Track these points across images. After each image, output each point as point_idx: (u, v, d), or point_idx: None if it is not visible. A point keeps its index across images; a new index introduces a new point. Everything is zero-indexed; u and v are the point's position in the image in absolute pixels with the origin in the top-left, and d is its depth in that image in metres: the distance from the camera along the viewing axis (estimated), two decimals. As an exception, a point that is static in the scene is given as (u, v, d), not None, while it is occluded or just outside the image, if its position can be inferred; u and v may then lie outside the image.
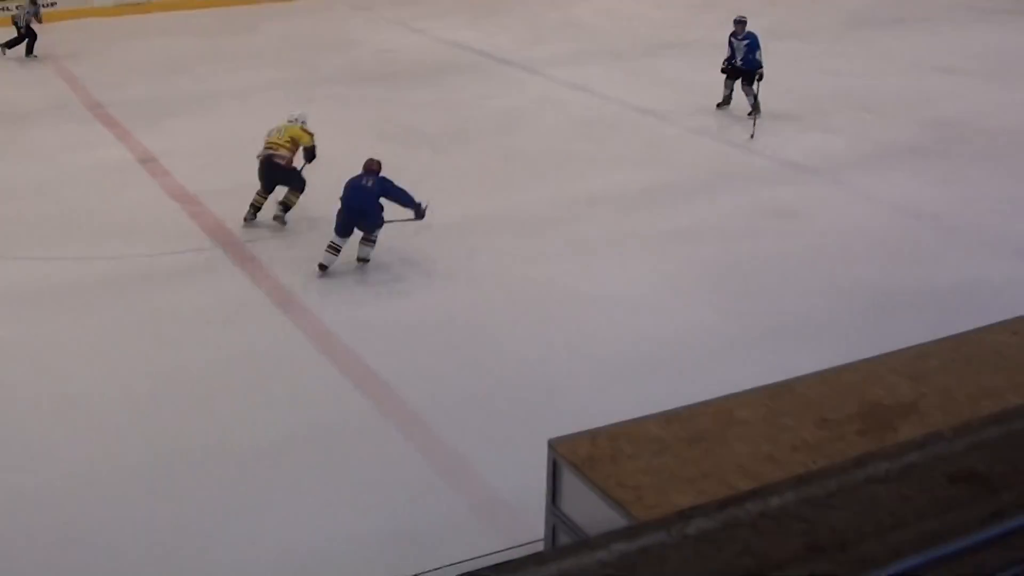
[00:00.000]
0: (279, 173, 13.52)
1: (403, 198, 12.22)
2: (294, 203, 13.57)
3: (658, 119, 18.02)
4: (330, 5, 27.93)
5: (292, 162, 13.54)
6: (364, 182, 12.26)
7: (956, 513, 5.00)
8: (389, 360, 10.30)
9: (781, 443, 5.62)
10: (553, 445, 5.63)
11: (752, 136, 17.16)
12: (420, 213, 12.24)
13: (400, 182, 12.20)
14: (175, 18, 26.30)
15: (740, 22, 18.06)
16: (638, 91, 19.65)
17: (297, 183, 13.56)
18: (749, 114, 17.78)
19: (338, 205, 12.28)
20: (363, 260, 12.45)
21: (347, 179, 12.35)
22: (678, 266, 12.55)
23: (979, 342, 6.88)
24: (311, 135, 13.67)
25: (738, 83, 18.18)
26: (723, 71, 18.29)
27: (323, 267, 12.21)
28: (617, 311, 11.40)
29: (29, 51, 22.97)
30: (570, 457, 5.50)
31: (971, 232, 13.66)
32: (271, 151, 13.43)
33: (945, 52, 22.91)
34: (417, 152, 16.16)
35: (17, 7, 23.38)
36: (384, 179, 12.30)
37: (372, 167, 12.38)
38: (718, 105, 18.67)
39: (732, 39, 18.19)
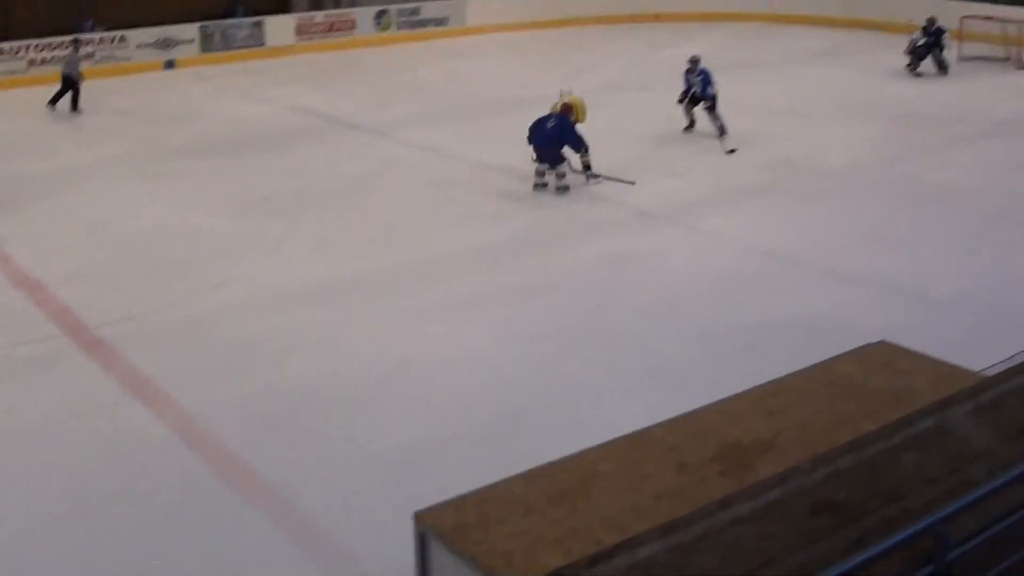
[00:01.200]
0: None
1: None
2: None
3: (507, 176, 18.09)
4: (172, 78, 27.43)
5: None
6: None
7: (821, 544, 5.12)
8: (249, 439, 9.93)
9: (644, 492, 5.61)
10: (419, 517, 5.50)
11: (732, 151, 19.09)
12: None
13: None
14: (14, 96, 25.53)
15: (694, 61, 20.40)
16: (486, 149, 19.72)
17: None
18: (718, 137, 19.70)
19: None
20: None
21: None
22: (535, 320, 12.53)
23: (830, 372, 7.04)
24: None
25: (704, 112, 20.22)
26: (680, 102, 20.52)
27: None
28: (477, 370, 11.28)
29: (74, 105, 23.10)
30: (437, 528, 5.39)
31: (816, 266, 14.05)
32: None
33: (783, 95, 23.83)
34: (271, 221, 15.97)
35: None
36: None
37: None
38: (684, 129, 20.84)
39: (688, 75, 20.39)
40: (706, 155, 19.22)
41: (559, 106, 17.67)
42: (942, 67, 26.29)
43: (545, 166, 17.22)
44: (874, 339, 7.59)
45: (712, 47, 26.90)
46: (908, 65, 26.40)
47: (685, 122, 20.88)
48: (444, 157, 19.53)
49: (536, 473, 5.89)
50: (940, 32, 26.24)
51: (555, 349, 11.75)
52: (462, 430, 10.04)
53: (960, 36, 27.42)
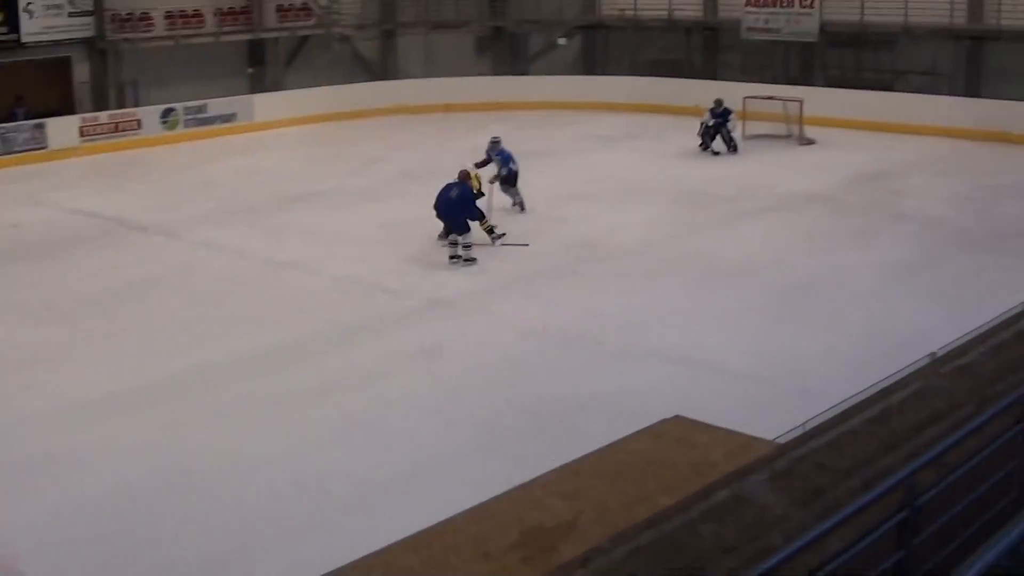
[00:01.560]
0: None
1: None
2: None
3: (299, 272, 17.92)
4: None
5: None
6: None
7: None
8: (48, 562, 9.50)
9: (450, 584, 5.49)
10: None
11: (498, 236, 19.01)
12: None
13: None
14: None
15: (494, 141, 21.29)
16: (279, 246, 19.51)
17: None
18: (515, 203, 21.04)
19: None
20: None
21: None
22: (324, 422, 12.26)
23: (627, 450, 7.06)
24: None
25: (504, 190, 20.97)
26: (492, 181, 20.74)
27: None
28: (267, 474, 10.98)
29: None
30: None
31: (610, 344, 14.26)
32: None
33: (577, 179, 24.16)
34: (54, 329, 15.38)
35: None
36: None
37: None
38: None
39: (489, 153, 21.18)
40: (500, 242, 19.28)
41: (458, 175, 18.50)
42: (731, 146, 27.21)
43: (454, 236, 17.92)
44: (669, 414, 7.67)
45: (504, 136, 27.01)
46: (700, 145, 27.30)
47: (518, 194, 21.48)
48: (235, 255, 19.16)
49: (341, 574, 5.72)
50: (727, 113, 27.20)
51: (344, 453, 11.45)
52: (267, 534, 9.75)
53: (744, 116, 28.30)
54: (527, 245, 18.87)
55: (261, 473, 11.05)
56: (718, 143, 27.12)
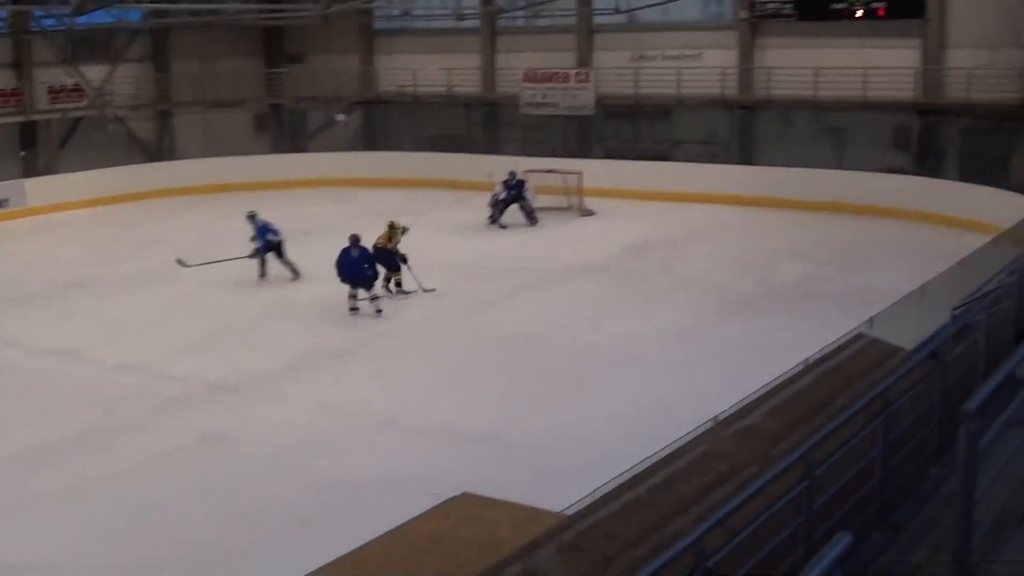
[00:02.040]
0: None
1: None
2: None
3: (76, 361, 17.17)
4: None
5: None
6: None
7: None
8: None
9: None
10: None
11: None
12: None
13: None
14: None
15: (251, 216, 21.94)
16: (57, 335, 18.63)
17: None
18: (292, 280, 21.61)
19: None
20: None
21: None
22: (87, 518, 11.69)
23: (416, 531, 6.91)
24: None
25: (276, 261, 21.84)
26: (250, 256, 21.74)
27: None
28: None
29: None
30: None
31: (399, 421, 14.10)
32: None
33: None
34: None
35: None
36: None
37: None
38: (261, 276, 22.07)
39: (251, 221, 21.98)
40: (282, 322, 19.04)
41: (349, 239, 19.38)
42: (532, 218, 27.36)
43: (357, 290, 19.21)
44: (457, 491, 7.55)
45: (283, 213, 26.05)
46: (489, 217, 27.36)
47: (258, 275, 21.87)
48: (5, 346, 18.18)
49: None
50: (521, 185, 27.48)
51: (111, 553, 10.91)
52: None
53: None
54: (434, 290, 20.47)
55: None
56: (508, 216, 27.07)
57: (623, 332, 17.99)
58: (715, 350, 17.02)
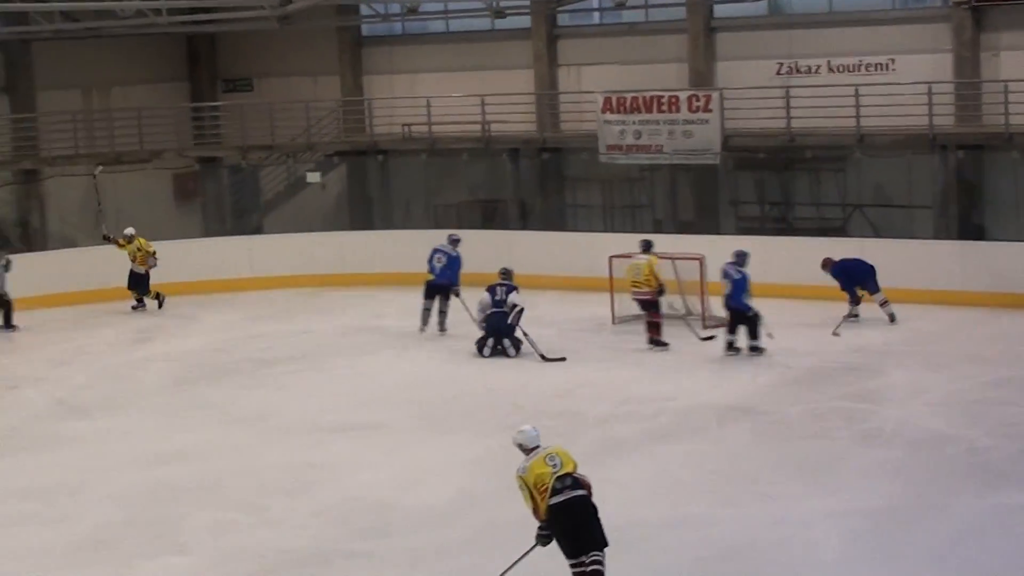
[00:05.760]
0: None
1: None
2: None
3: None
4: None
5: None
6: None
7: None
8: None
9: None
10: None
11: None
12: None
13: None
14: None
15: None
16: None
17: None
18: None
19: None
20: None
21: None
22: None
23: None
24: None
25: None
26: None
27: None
28: None
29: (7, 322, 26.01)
30: None
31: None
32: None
33: (340, 404, 22.07)
34: None
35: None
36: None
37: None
38: None
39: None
40: (215, 513, 16.77)
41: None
42: (515, 344, 23.95)
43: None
44: None
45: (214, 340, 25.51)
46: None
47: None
48: None
49: None
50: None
51: None
52: None
53: (610, 286, 26.13)
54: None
55: None
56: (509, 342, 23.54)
57: (785, 516, 16.02)
58: (935, 549, 14.80)
